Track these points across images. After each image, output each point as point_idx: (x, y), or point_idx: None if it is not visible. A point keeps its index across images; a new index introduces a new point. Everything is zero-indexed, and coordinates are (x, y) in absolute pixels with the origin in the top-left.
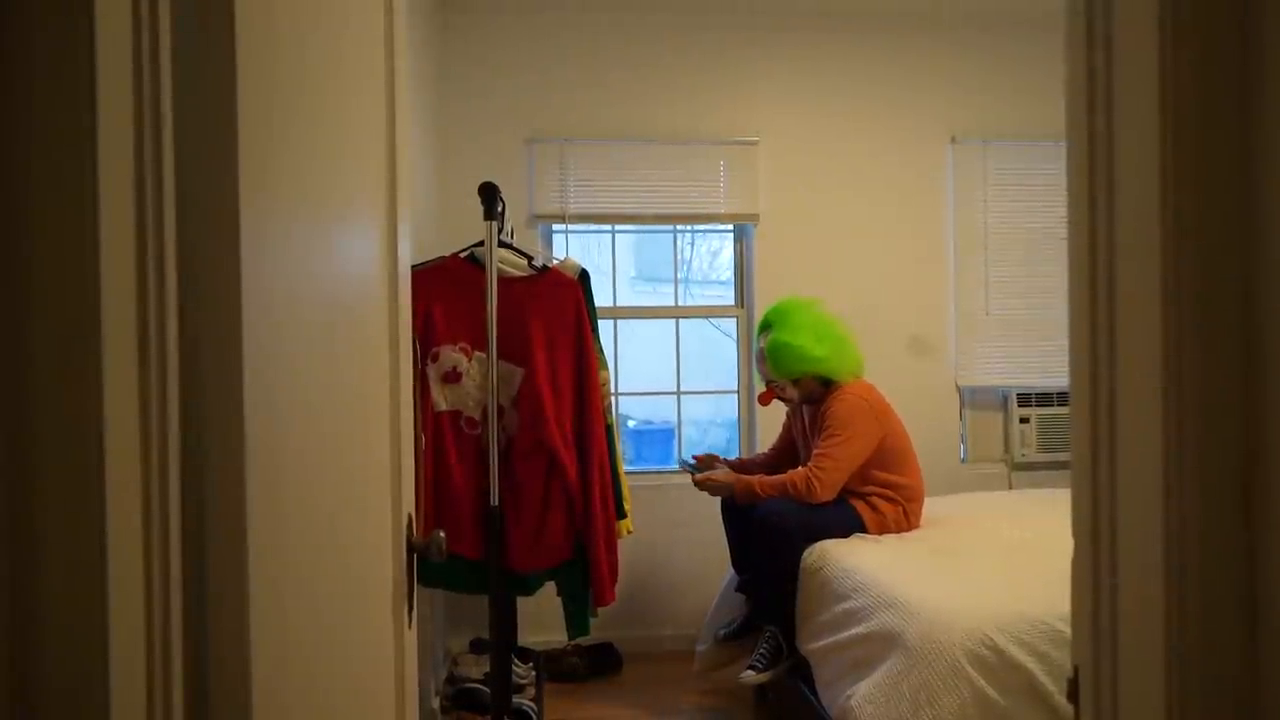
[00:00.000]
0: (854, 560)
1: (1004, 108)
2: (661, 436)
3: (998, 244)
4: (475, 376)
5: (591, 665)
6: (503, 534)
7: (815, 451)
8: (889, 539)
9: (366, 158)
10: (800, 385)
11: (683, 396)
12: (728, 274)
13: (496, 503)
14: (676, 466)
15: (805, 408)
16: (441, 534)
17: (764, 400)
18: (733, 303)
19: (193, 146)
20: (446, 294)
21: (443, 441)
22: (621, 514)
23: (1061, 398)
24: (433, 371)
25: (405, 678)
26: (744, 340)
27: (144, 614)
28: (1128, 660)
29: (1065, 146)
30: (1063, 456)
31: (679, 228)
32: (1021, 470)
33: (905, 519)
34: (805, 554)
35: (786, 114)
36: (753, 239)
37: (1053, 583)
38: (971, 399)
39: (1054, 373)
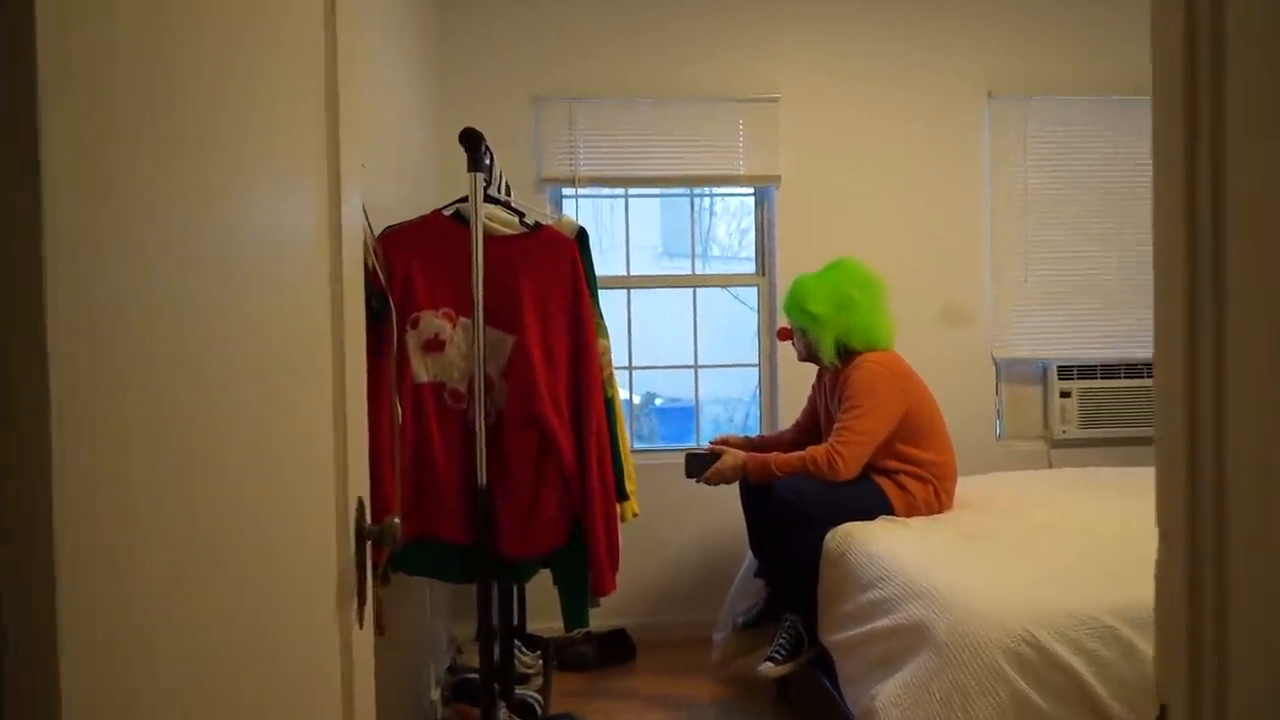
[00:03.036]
0: (880, 545)
1: (1045, 60)
2: (685, 414)
3: (1038, 207)
4: (460, 345)
5: (603, 654)
6: (491, 517)
7: (835, 425)
8: (918, 522)
9: (294, 111)
10: (803, 339)
11: (701, 371)
12: (749, 253)
13: (484, 483)
14: (691, 465)
15: (827, 377)
16: (397, 520)
17: (781, 335)
18: (753, 270)
19: None
20: (428, 254)
21: (424, 416)
22: (623, 495)
23: (1106, 370)
24: (412, 340)
25: (355, 684)
26: (765, 311)
27: None
28: (1241, 705)
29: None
30: (1107, 433)
31: (696, 191)
32: (1062, 448)
33: (936, 499)
34: (827, 538)
35: (809, 68)
36: (774, 202)
37: (1100, 572)
38: (1008, 372)
39: (1097, 343)
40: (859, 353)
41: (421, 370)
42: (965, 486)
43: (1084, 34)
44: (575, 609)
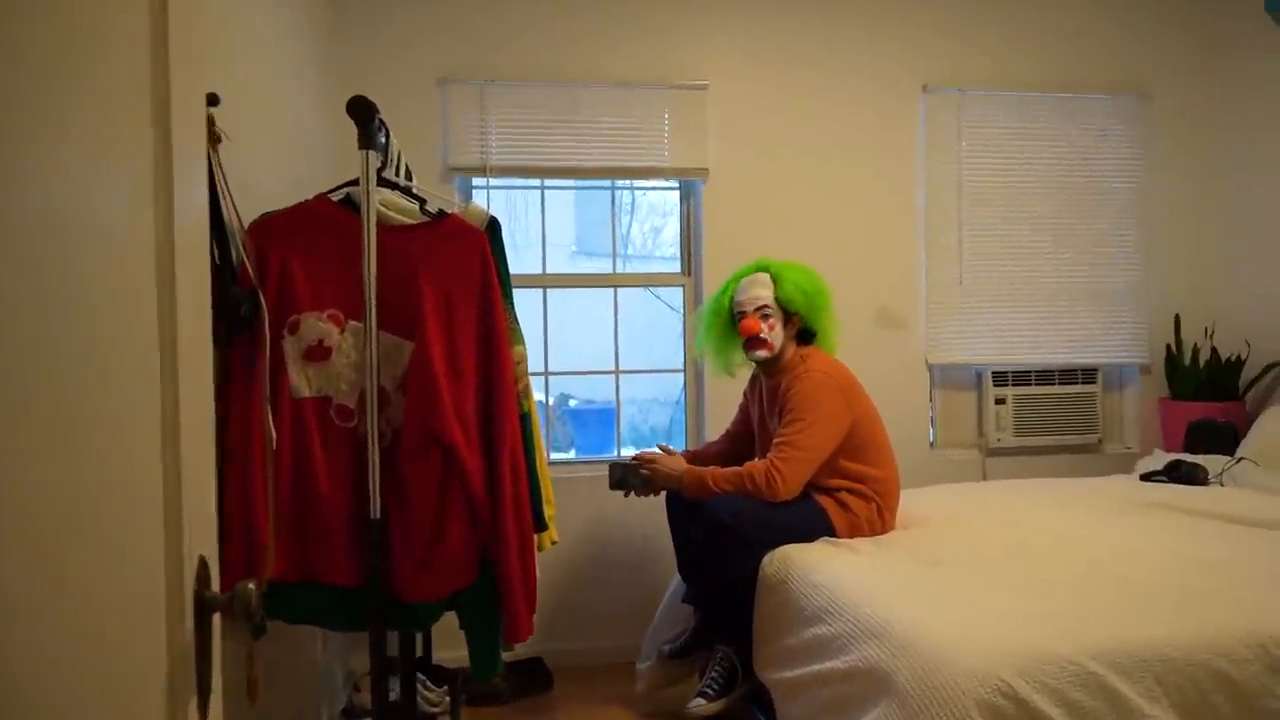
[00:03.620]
0: (825, 572)
1: (981, 54)
2: (601, 417)
3: (973, 205)
4: (349, 353)
5: (517, 685)
6: (385, 555)
7: (776, 439)
8: (863, 544)
9: (92, 63)
10: (789, 327)
11: (622, 376)
12: (672, 249)
13: (378, 515)
14: (615, 477)
15: (763, 382)
16: (251, 585)
17: (750, 328)
18: (678, 270)
19: None
20: (310, 246)
21: (305, 437)
22: (541, 524)
23: (1042, 377)
24: (291, 347)
25: None
26: (689, 310)
27: None
28: None
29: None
30: (1043, 441)
31: (617, 183)
32: (997, 456)
33: (879, 518)
34: (764, 562)
35: (739, 55)
36: (700, 197)
37: (1077, 605)
38: (942, 378)
39: (1033, 349)
40: (802, 356)
41: (302, 383)
42: (904, 502)
43: (1021, 28)
44: (485, 657)
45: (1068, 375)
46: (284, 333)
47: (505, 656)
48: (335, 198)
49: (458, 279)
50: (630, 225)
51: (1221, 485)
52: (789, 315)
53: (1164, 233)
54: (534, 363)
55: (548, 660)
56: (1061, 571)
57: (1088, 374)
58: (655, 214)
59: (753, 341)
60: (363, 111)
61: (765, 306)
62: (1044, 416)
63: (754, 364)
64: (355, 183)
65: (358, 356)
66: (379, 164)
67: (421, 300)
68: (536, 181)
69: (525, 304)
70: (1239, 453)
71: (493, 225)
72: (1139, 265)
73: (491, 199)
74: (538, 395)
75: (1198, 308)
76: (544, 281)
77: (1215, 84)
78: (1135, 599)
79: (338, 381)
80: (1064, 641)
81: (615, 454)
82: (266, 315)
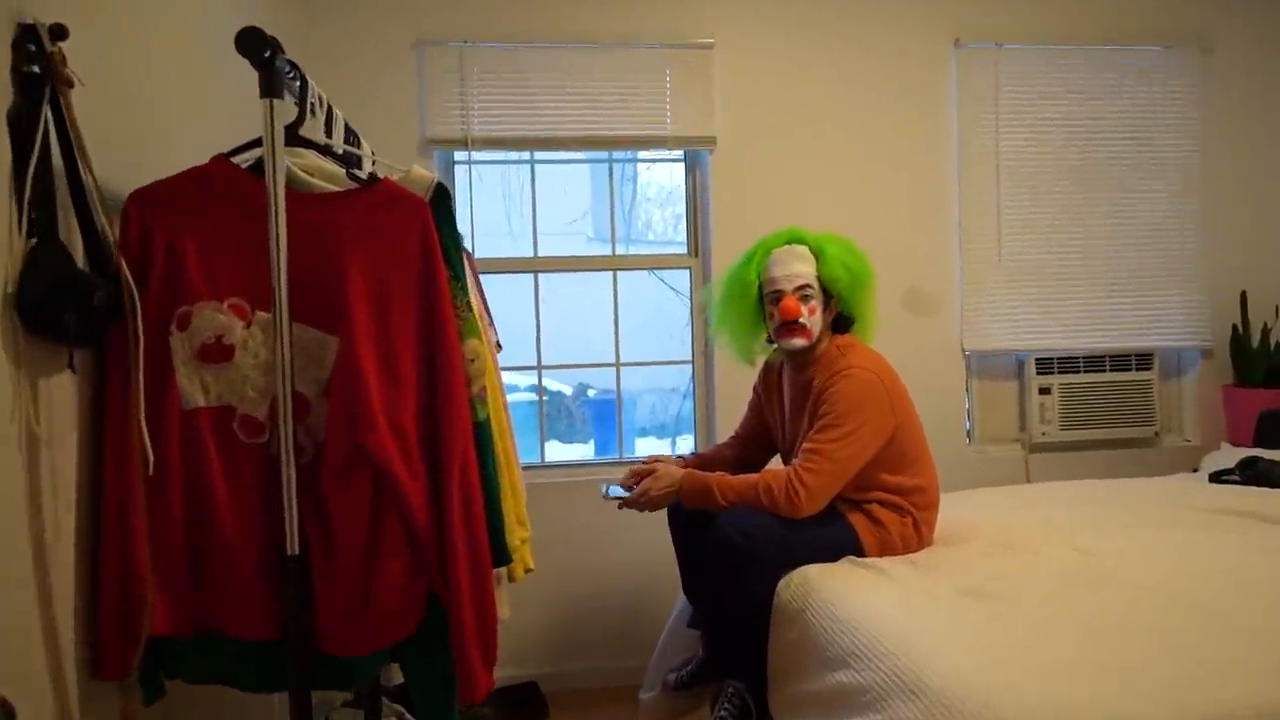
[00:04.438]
0: (850, 604)
1: (1020, 3)
2: (613, 409)
3: (1013, 173)
4: (256, 351)
5: (508, 712)
6: (307, 601)
7: (806, 445)
8: (894, 565)
9: None
10: (827, 311)
11: (634, 366)
12: (683, 238)
13: (296, 551)
14: (603, 492)
15: (788, 376)
16: None
17: (790, 310)
18: (684, 250)
19: None
20: (206, 221)
21: (200, 457)
22: (503, 558)
23: (1091, 363)
24: (181, 345)
25: None
26: (697, 295)
27: None
28: None
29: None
30: (1092, 435)
31: (616, 155)
32: (1041, 453)
33: (915, 534)
34: (780, 585)
35: (747, 8)
36: (708, 169)
37: (1162, 654)
38: (980, 366)
39: (1082, 332)
40: (840, 348)
41: (195, 390)
42: (941, 510)
43: None
44: (435, 717)
45: (1120, 361)
46: (170, 328)
47: (495, 676)
48: (242, 162)
49: (394, 259)
50: (632, 203)
51: None
52: (828, 298)
53: (1226, 201)
54: (524, 354)
55: (542, 685)
56: (1137, 607)
57: (1143, 359)
58: (671, 186)
59: (789, 328)
60: (254, 43)
61: (806, 286)
62: (1094, 407)
63: (775, 352)
64: (260, 141)
65: (268, 356)
66: (301, 118)
67: (348, 285)
68: (526, 155)
69: (517, 291)
70: None
71: (439, 193)
72: (1199, 238)
73: (477, 175)
74: (522, 395)
75: (1266, 284)
76: (535, 265)
77: None
78: (1240, 646)
79: (242, 387)
80: (1153, 705)
81: (617, 453)
82: (138, 304)
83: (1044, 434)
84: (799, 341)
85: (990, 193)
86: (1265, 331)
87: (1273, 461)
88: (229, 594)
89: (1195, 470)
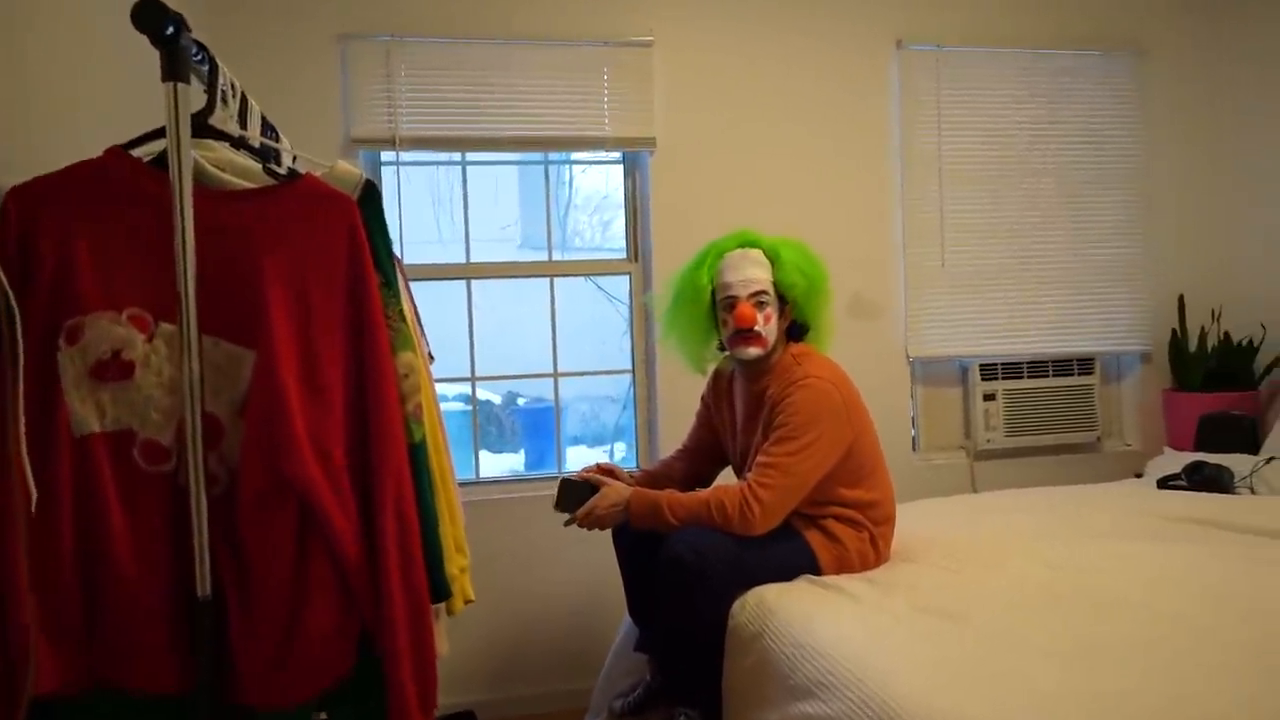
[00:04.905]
0: (812, 627)
1: (961, 5)
2: (549, 415)
3: (955, 176)
4: (160, 368)
5: None
6: (222, 648)
7: (761, 459)
8: (854, 584)
9: None
10: (783, 316)
11: (563, 380)
12: (622, 242)
13: (207, 593)
14: (557, 491)
15: (740, 385)
16: None
17: (745, 317)
18: (624, 255)
19: None
20: (100, 221)
21: (94, 488)
22: (442, 593)
23: (1035, 368)
24: (72, 362)
25: None
26: (637, 301)
27: None
28: None
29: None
30: (1037, 441)
31: (551, 157)
32: (986, 460)
33: (872, 549)
34: (735, 608)
35: (688, 6)
36: (647, 171)
37: (1148, 677)
38: (925, 373)
39: (1025, 338)
40: (796, 357)
41: (89, 413)
42: None
43: None
44: None
45: (1062, 366)
46: (59, 342)
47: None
48: (143, 155)
49: (317, 263)
50: (567, 208)
51: (1252, 491)
52: (783, 304)
53: (1166, 206)
54: (458, 366)
55: (480, 713)
56: (1110, 623)
57: (1084, 364)
58: (604, 206)
59: (744, 336)
60: (152, 19)
61: (762, 292)
62: (1038, 413)
63: (726, 360)
64: (163, 131)
65: (173, 373)
66: (210, 106)
67: (265, 293)
68: (456, 157)
69: (448, 300)
70: (1265, 450)
71: (368, 191)
72: (1138, 243)
73: (405, 177)
74: (451, 404)
75: (1204, 288)
76: (469, 272)
77: (1217, 39)
78: (1230, 659)
79: (145, 409)
80: None
81: (557, 467)
82: (18, 316)
83: (989, 440)
84: (754, 350)
85: (933, 196)
86: (1203, 335)
87: (1218, 466)
88: (130, 642)
89: (1139, 475)
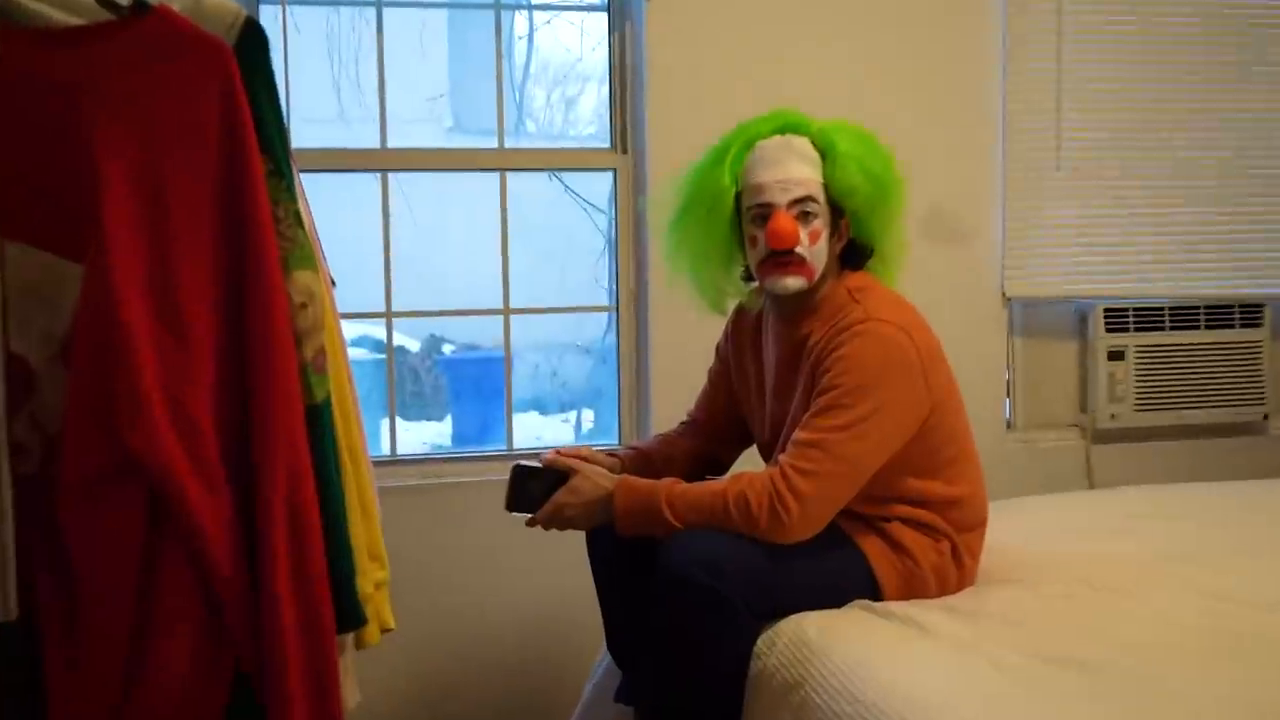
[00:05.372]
0: (874, 680)
1: None
2: (491, 370)
3: (1080, 46)
4: None
5: None
6: (33, 691)
7: (801, 435)
8: (933, 616)
9: None
10: (834, 239)
11: (516, 318)
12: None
13: (12, 614)
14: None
15: (773, 330)
16: None
17: (784, 233)
18: (606, 145)
19: None
20: None
21: None
22: (354, 619)
23: (1181, 317)
24: None
25: None
26: (626, 212)
27: None
28: None
29: None
30: (1179, 419)
31: (504, 1)
32: (1109, 443)
33: (954, 567)
34: (763, 643)
35: None
36: (642, 25)
37: None
38: (1027, 320)
39: (1168, 275)
40: (852, 291)
41: None
42: None
43: None
44: None
45: (1219, 314)
46: None
47: None
48: None
49: (176, 139)
50: (525, 75)
51: None
52: (837, 217)
53: None
54: (369, 299)
55: None
56: None
57: (1250, 313)
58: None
59: (781, 261)
60: None
61: (808, 199)
62: (1183, 380)
63: (754, 296)
64: None
65: None
66: None
67: (101, 182)
68: None
69: (354, 196)
70: None
71: (250, 34)
72: None
73: (298, 27)
74: (360, 351)
75: None
76: (384, 160)
77: None
78: None
79: None
80: None
81: (506, 443)
82: None
83: (1114, 416)
84: (794, 281)
85: (1049, 71)
86: None
87: None
88: None
89: None
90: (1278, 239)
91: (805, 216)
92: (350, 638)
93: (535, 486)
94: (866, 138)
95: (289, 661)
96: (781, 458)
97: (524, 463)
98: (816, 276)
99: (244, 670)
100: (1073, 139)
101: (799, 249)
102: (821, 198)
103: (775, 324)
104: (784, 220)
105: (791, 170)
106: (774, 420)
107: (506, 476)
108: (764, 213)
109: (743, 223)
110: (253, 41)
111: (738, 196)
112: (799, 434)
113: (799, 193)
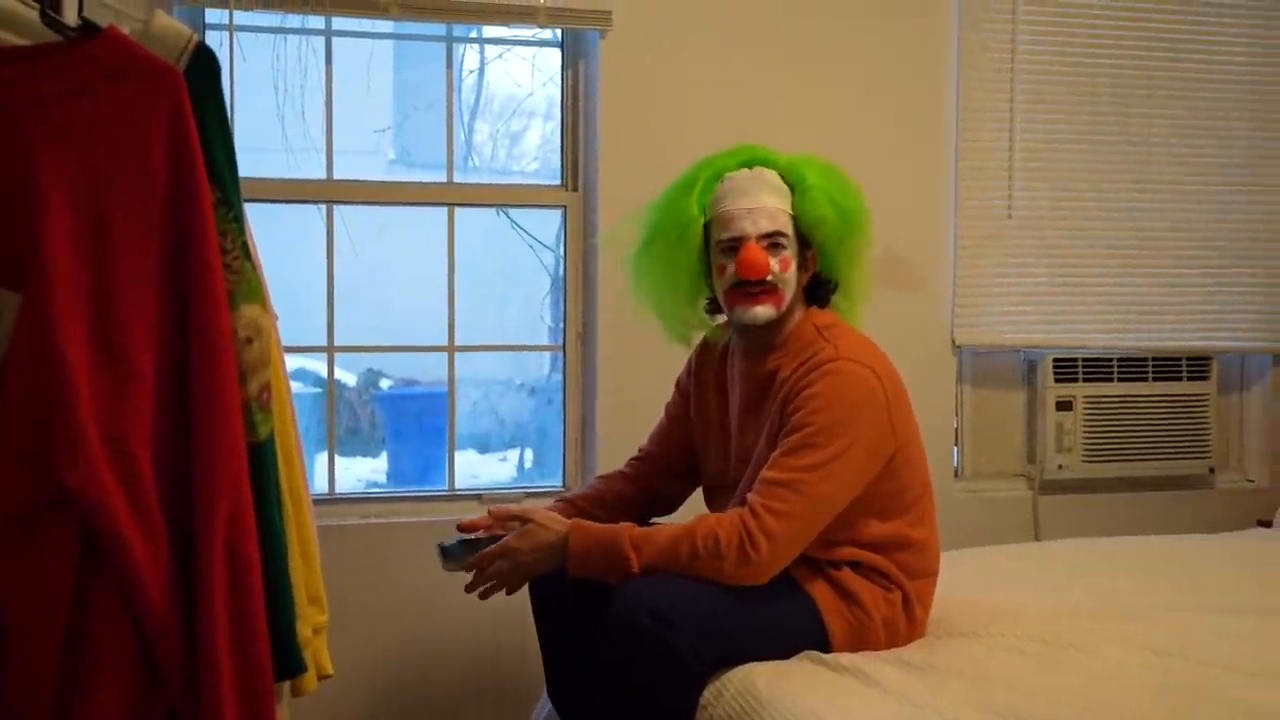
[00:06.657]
0: None
1: None
2: (433, 406)
3: (1032, 98)
4: None
5: None
6: None
7: (770, 474)
8: (885, 670)
9: None
10: (802, 271)
11: (462, 354)
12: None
13: None
14: (437, 555)
15: (738, 365)
16: None
17: (755, 264)
18: (555, 180)
19: None
20: None
21: None
22: (293, 666)
23: (1129, 368)
24: None
25: None
26: (574, 248)
27: None
28: None
29: None
30: (1130, 471)
31: (456, 30)
32: (1055, 494)
33: (905, 617)
34: (710, 694)
35: None
36: (595, 62)
37: None
38: (976, 368)
39: (1117, 326)
40: (820, 329)
41: None
42: None
43: None
44: None
45: (1167, 367)
46: None
47: None
48: None
49: (121, 166)
50: (476, 108)
51: None
52: (804, 249)
53: None
54: (310, 333)
55: None
56: None
57: (1197, 365)
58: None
59: (751, 291)
60: None
61: (778, 233)
62: (1130, 431)
63: (719, 329)
64: None
65: None
66: None
67: (40, 206)
68: (318, 23)
69: (298, 229)
70: None
71: (201, 60)
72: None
73: (244, 54)
74: (300, 385)
75: None
76: (331, 192)
77: None
78: None
79: None
80: None
81: (447, 482)
82: None
83: (1061, 467)
84: (764, 310)
85: (1001, 122)
86: None
87: None
88: None
89: (1267, 524)
90: (1225, 293)
91: (775, 248)
92: (287, 685)
93: (463, 549)
94: (834, 171)
95: (224, 710)
96: (750, 497)
97: (443, 541)
98: (785, 304)
99: None
100: (1024, 190)
101: (770, 276)
102: (790, 230)
103: (741, 358)
104: (754, 251)
105: (762, 200)
106: (738, 456)
107: (447, 517)
108: (734, 244)
109: (710, 254)
110: (204, 67)
111: (705, 228)
112: (768, 473)
113: (768, 226)
